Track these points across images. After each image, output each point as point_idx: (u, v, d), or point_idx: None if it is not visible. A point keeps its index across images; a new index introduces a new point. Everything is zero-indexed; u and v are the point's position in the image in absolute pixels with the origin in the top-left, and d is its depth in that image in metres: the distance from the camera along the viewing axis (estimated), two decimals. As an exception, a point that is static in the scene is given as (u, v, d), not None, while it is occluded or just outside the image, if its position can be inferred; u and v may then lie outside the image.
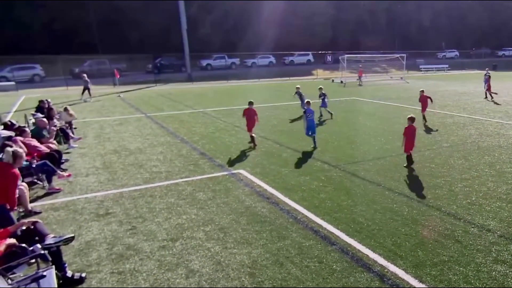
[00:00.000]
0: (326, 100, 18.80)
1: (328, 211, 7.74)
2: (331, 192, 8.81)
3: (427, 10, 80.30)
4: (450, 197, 8.47)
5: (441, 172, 10.17)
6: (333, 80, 42.87)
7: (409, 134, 10.58)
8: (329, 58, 65.45)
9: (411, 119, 10.59)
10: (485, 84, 27.67)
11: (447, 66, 57.49)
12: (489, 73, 28.02)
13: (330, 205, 8.05)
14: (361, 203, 8.14)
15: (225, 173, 10.30)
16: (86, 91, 27.54)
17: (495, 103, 22.70)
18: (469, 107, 21.11)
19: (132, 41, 55.18)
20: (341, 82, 40.03)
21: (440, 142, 13.42)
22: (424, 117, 17.13)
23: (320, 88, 19.24)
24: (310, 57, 64.80)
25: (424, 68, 57.54)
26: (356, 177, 9.81)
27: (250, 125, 13.01)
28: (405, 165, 10.70)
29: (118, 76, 33.88)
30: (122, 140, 14.50)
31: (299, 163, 11.11)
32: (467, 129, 15.46)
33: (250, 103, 13.05)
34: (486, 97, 24.63)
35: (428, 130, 15.40)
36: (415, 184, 9.29)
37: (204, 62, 57.16)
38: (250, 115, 12.97)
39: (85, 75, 28.92)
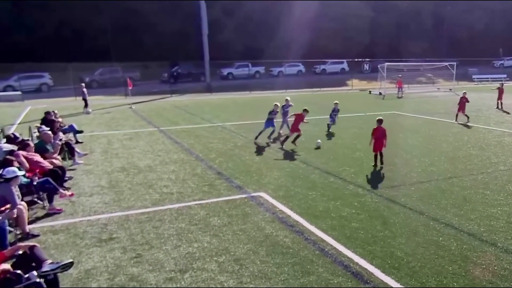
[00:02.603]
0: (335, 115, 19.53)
1: (361, 243, 7.57)
2: (365, 220, 8.63)
3: (482, 11, 78.81)
4: (509, 230, 8.16)
5: (498, 200, 9.86)
6: (370, 91, 42.59)
7: (377, 135, 12.80)
8: (366, 66, 65.09)
9: (379, 121, 12.97)
10: None
11: (505, 76, 56.25)
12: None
13: (363, 236, 7.87)
14: (401, 235, 7.93)
15: (244, 195, 10.27)
16: (86, 103, 28.06)
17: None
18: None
19: (147, 47, 56.36)
20: (380, 93, 39.71)
21: (497, 165, 13.04)
22: (466, 116, 21.84)
23: (336, 103, 19.70)
24: (345, 66, 64.66)
25: (477, 78, 56.55)
26: (395, 204, 9.60)
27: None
28: (372, 164, 12.90)
29: (131, 86, 34.62)
30: (131, 156, 14.70)
31: (328, 186, 10.97)
32: (529, 150, 15.02)
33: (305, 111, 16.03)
34: None
35: (481, 149, 15.01)
36: (465, 213, 9.00)
37: (225, 71, 57.67)
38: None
39: (83, 84, 29.62)
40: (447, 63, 46.01)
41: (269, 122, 17.01)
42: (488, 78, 56.61)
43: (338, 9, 66.92)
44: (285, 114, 17.96)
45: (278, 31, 61.44)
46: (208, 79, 48.77)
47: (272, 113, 16.99)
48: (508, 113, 25.04)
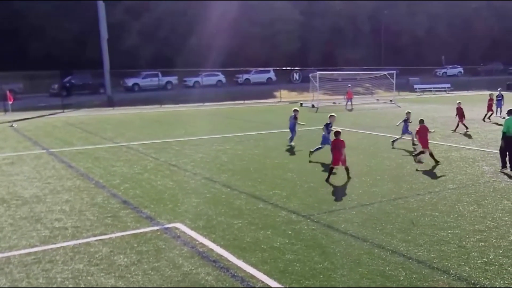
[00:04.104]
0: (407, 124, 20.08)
1: (297, 278, 7.61)
2: (301, 251, 8.71)
3: (423, 16, 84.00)
4: (461, 255, 8.52)
5: (448, 222, 10.30)
6: (301, 103, 43.70)
7: (334, 147, 14.12)
8: (296, 76, 67.05)
9: (335, 133, 14.18)
10: (497, 108, 29.70)
11: (448, 85, 60.09)
12: (501, 93, 30.29)
13: (300, 270, 7.93)
14: (342, 266, 8.06)
15: (156, 228, 10.12)
16: None
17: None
18: (480, 138, 21.88)
19: (33, 54, 54.63)
20: (313, 106, 40.91)
21: (445, 183, 13.71)
22: (464, 126, 24.01)
23: (408, 113, 20.26)
24: (271, 75, 66.32)
25: (419, 88, 59.86)
26: (334, 231, 9.78)
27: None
28: (326, 179, 13.99)
29: (12, 101, 33.33)
30: (13, 185, 14.13)
31: (257, 213, 11.01)
32: (479, 166, 15.93)
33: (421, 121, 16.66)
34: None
35: (427, 165, 15.73)
36: (413, 238, 9.33)
37: (130, 81, 57.46)
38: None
39: None
40: (386, 72, 48.36)
41: (326, 138, 17.20)
42: (431, 88, 60.18)
43: (263, 12, 68.58)
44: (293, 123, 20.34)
45: (194, 36, 61.87)
46: (109, 91, 48.09)
47: (329, 126, 17.32)
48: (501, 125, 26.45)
